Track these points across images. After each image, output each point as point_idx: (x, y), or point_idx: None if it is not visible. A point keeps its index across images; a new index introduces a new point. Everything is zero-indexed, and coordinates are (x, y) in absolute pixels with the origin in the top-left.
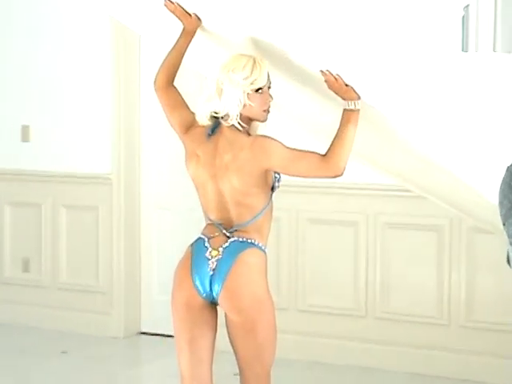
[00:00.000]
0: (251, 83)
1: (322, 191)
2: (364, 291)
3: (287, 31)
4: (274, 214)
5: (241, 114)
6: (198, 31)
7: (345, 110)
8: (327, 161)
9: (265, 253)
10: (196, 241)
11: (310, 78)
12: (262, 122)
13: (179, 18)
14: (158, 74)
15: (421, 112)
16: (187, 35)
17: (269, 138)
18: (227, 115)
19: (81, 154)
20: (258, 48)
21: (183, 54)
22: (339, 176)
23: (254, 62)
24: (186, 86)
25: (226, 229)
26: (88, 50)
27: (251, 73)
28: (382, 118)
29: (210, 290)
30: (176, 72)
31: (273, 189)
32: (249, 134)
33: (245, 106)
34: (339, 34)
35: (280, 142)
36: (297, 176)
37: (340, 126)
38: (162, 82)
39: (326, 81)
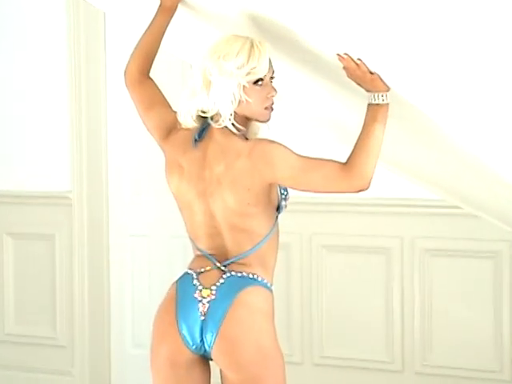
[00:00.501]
0: (248, 73)
1: (343, 209)
2: (400, 339)
3: (294, 3)
4: (281, 239)
5: (235, 113)
6: (180, 6)
7: (370, 104)
8: (349, 170)
9: (271, 291)
10: (181, 277)
11: (325, 64)
12: (264, 122)
13: None
14: (129, 63)
15: (466, 104)
16: (165, 12)
17: (273, 142)
18: (218, 115)
19: (31, 167)
20: (256, 27)
21: (161, 36)
22: (365, 190)
23: (252, 45)
24: (166, 78)
25: (220, 261)
26: (38, 31)
27: (248, 60)
28: (417, 113)
29: (201, 340)
30: (152, 60)
31: (278, 209)
32: (246, 138)
33: (240, 102)
34: (361, 5)
35: (287, 148)
36: (310, 191)
37: (364, 125)
38: (134, 73)
39: (344, 68)
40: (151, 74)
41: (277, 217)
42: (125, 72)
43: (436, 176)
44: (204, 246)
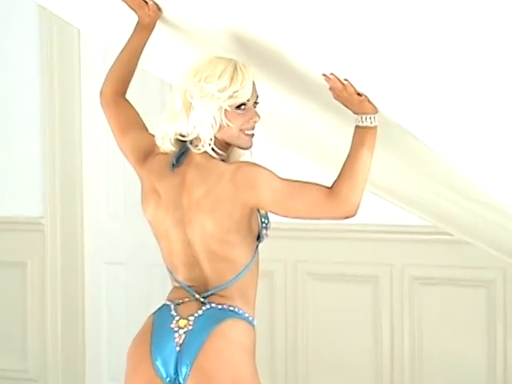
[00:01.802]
0: (230, 97)
1: (329, 236)
2: (389, 371)
3: (279, 20)
4: (265, 267)
5: (216, 138)
6: (158, 25)
7: (357, 127)
8: (335, 196)
9: (253, 326)
10: (159, 308)
11: (311, 85)
12: (245, 149)
13: (132, 8)
14: (105, 82)
15: (458, 126)
16: (143, 30)
17: (256, 165)
18: (198, 139)
19: (1, 191)
20: (240, 47)
21: (138, 55)
22: (351, 216)
23: (235, 67)
24: (144, 99)
25: (199, 292)
26: (10, 48)
27: (230, 83)
28: (407, 136)
29: (176, 373)
30: (129, 80)
31: (259, 238)
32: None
33: (221, 127)
34: (348, 24)
35: (271, 172)
36: (294, 217)
37: (351, 149)
38: (110, 93)
39: (331, 88)
40: (128, 94)
41: (257, 246)
42: (100, 92)
43: (427, 202)
44: (182, 276)
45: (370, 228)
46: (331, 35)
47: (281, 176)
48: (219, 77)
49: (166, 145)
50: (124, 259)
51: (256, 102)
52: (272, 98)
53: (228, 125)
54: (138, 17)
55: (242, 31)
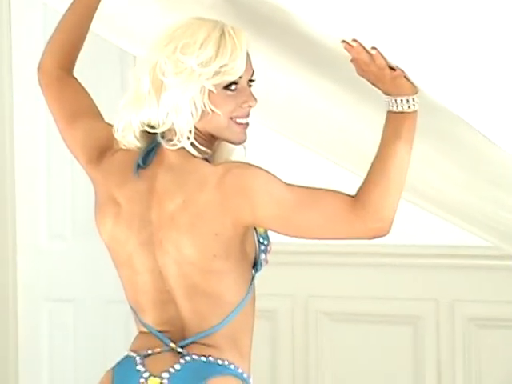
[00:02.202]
0: (216, 73)
1: (352, 261)
2: None
3: None
4: (266, 304)
5: (197, 129)
6: None
7: (390, 113)
8: (361, 208)
9: None
10: (120, 361)
11: (326, 56)
12: (237, 143)
13: None
14: (45, 54)
15: None
16: None
17: (251, 166)
18: (172, 131)
19: None
20: (229, 4)
21: (91, 16)
22: (383, 235)
23: (222, 32)
24: (98, 77)
25: (174, 341)
26: None
27: (216, 53)
28: (460, 126)
29: None
30: (78, 51)
31: (256, 265)
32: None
33: (204, 114)
34: None
35: (272, 175)
36: (306, 237)
37: (382, 143)
38: (52, 69)
39: (353, 60)
40: (76, 70)
41: (253, 277)
42: (38, 67)
43: (485, 212)
44: (151, 319)
45: (407, 251)
46: None
47: (286, 181)
48: (201, 45)
49: (129, 139)
50: (71, 294)
51: (251, 80)
52: (273, 74)
53: (213, 111)
54: None
55: None
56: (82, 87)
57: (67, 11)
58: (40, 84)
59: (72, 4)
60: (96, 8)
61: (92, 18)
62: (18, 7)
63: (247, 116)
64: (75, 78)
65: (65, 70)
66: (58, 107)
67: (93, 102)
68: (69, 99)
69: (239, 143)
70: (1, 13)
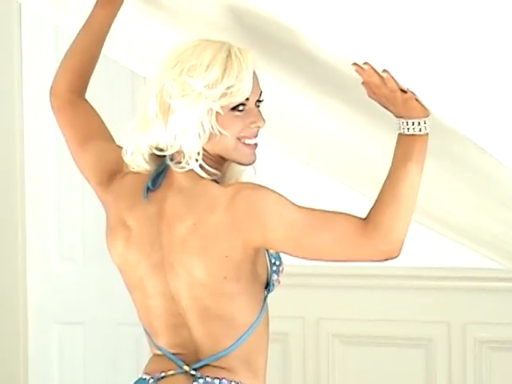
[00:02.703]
0: (223, 94)
1: (363, 283)
2: None
3: None
4: (276, 327)
5: (205, 151)
6: None
7: (401, 135)
8: (372, 230)
9: None
10: None
11: (337, 78)
12: (246, 164)
13: None
14: (57, 77)
15: None
16: (108, 5)
17: (261, 188)
18: (180, 153)
19: None
20: (238, 24)
21: (102, 39)
22: (394, 257)
23: (229, 53)
24: (110, 100)
25: (188, 363)
26: None
27: (223, 75)
28: (470, 148)
29: None
30: (90, 74)
31: (268, 286)
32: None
33: (212, 135)
34: None
35: (282, 197)
36: (316, 259)
37: (393, 165)
38: (64, 92)
39: (364, 83)
40: (88, 93)
41: (265, 297)
42: (51, 90)
43: (495, 234)
44: (164, 342)
45: (418, 273)
46: (366, 9)
47: (296, 203)
48: (207, 67)
49: (138, 162)
50: (81, 317)
51: (259, 101)
52: (282, 95)
53: (221, 133)
54: None
55: (241, 2)
56: (94, 110)
57: (79, 34)
58: (52, 107)
59: (83, 27)
60: (108, 31)
61: (104, 40)
62: (29, 29)
63: (255, 136)
64: (87, 101)
65: (76, 93)
66: (69, 130)
67: (104, 124)
68: (80, 122)
69: (248, 164)
70: (12, 35)
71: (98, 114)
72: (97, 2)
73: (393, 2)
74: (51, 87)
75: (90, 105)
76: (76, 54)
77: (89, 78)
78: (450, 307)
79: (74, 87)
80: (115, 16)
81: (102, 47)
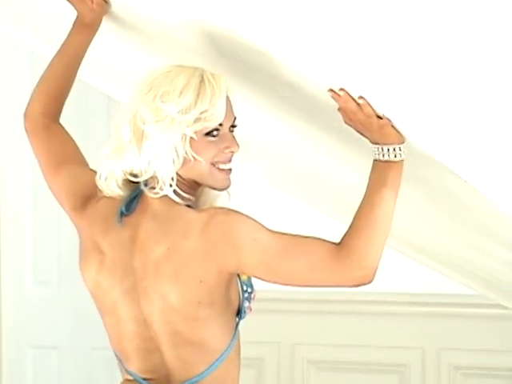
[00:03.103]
0: (197, 119)
1: (337, 309)
2: None
3: (269, 14)
4: (251, 352)
5: (179, 176)
6: (104, 22)
7: (376, 161)
8: (345, 256)
9: None
10: None
11: (312, 104)
12: (220, 189)
13: (70, 1)
14: (31, 101)
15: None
16: (85, 30)
17: (235, 213)
18: (154, 178)
19: None
20: (215, 50)
21: (78, 64)
22: (367, 282)
23: (202, 79)
24: (84, 124)
25: None
26: None
27: (196, 100)
28: (445, 174)
29: None
30: (64, 98)
31: (239, 313)
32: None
33: (186, 161)
34: (364, 18)
35: (256, 222)
36: (289, 284)
37: (368, 190)
38: (38, 116)
39: (341, 109)
40: (62, 117)
41: (237, 324)
42: (25, 114)
43: (470, 260)
44: (136, 366)
45: (392, 299)
46: (342, 34)
47: (270, 228)
48: (180, 93)
49: (112, 187)
50: (56, 341)
51: (233, 126)
52: (257, 120)
53: (195, 158)
54: (78, 12)
55: (216, 28)
56: (68, 134)
57: (54, 58)
58: (26, 131)
59: (59, 51)
60: (83, 55)
61: (79, 64)
62: (4, 53)
63: (229, 161)
64: (61, 125)
65: (51, 118)
66: (43, 154)
67: (78, 149)
68: (54, 146)
69: (222, 189)
70: None
71: (72, 139)
72: (73, 27)
73: (368, 29)
74: (25, 110)
75: (64, 129)
76: (51, 77)
77: (63, 102)
78: (425, 333)
79: (48, 111)
80: (91, 41)
81: (77, 71)
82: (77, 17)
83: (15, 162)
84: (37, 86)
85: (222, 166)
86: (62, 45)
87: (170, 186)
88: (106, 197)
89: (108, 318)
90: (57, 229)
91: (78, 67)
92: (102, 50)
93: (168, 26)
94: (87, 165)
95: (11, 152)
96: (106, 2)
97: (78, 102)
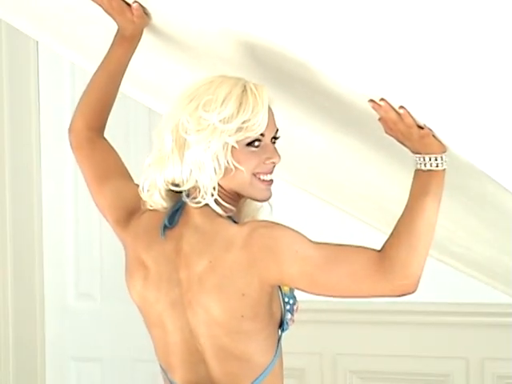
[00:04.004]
0: (238, 129)
1: (380, 319)
2: None
3: (310, 25)
4: (293, 363)
5: (221, 187)
6: (145, 35)
7: (418, 171)
8: (388, 265)
9: None
10: None
11: (352, 114)
12: (262, 201)
13: (109, 13)
14: (75, 116)
15: None
16: (125, 43)
17: (277, 225)
18: (196, 188)
19: None
20: (253, 61)
21: (119, 77)
22: (410, 292)
23: (244, 88)
24: (126, 137)
25: None
26: None
27: (238, 110)
28: (487, 184)
29: None
30: (108, 112)
31: (282, 325)
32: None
33: (228, 171)
34: (406, 30)
35: (298, 233)
36: (331, 295)
37: (410, 200)
38: (82, 130)
39: (381, 119)
40: (106, 131)
41: (280, 337)
42: (69, 128)
43: None
44: (181, 378)
45: (435, 309)
46: (383, 44)
47: (312, 239)
48: (223, 102)
49: (155, 198)
50: (99, 354)
51: (275, 137)
52: (298, 132)
53: (237, 168)
54: (118, 25)
55: (255, 38)
56: (112, 148)
57: (96, 72)
58: (71, 145)
59: (101, 65)
60: (125, 69)
61: (121, 78)
62: (45, 66)
63: (271, 173)
64: (105, 139)
65: (95, 131)
66: (88, 168)
67: (122, 162)
68: (98, 160)
69: (263, 200)
70: (29, 73)
71: (115, 152)
72: (114, 40)
73: (410, 40)
74: (70, 125)
75: (108, 143)
76: (94, 92)
77: (107, 116)
78: (468, 343)
79: (92, 125)
80: (133, 53)
81: (119, 84)
82: (117, 30)
83: (58, 175)
84: (80, 100)
85: (263, 177)
86: (104, 58)
87: (212, 195)
88: (149, 210)
89: (155, 330)
90: (99, 242)
91: (121, 80)
92: (143, 64)
93: (207, 37)
94: (131, 178)
95: (54, 165)
96: (146, 14)
97: (120, 115)
